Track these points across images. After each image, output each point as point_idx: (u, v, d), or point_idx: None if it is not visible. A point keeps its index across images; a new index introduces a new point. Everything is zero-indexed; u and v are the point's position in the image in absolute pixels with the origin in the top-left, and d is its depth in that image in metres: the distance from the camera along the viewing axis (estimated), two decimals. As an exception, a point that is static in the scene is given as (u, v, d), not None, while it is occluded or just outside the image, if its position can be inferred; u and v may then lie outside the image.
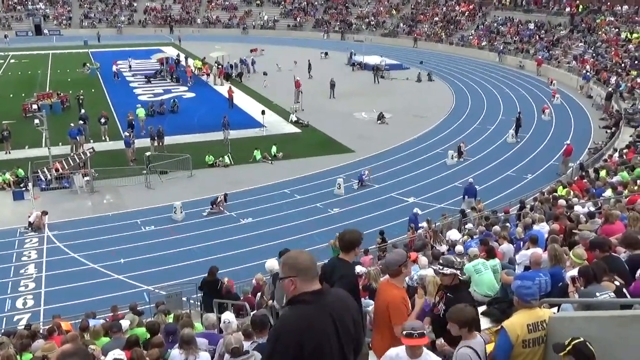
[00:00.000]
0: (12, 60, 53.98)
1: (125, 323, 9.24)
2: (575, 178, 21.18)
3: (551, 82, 42.79)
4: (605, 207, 12.83)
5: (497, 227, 13.62)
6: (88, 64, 49.59)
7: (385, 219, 20.59)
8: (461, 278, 5.56)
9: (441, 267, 5.69)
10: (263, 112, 33.25)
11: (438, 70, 50.02)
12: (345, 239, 5.42)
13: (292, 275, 3.33)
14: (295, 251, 3.55)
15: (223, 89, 40.85)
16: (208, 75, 46.09)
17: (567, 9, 55.98)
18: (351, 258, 5.45)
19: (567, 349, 4.31)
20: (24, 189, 23.15)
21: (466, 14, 65.69)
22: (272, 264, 10.98)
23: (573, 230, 10.10)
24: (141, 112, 32.14)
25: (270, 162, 27.12)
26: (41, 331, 11.44)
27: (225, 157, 26.85)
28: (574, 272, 6.53)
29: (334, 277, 5.28)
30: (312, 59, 47.63)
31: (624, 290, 5.94)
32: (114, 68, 46.70)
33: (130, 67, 49.02)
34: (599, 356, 4.31)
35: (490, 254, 9.68)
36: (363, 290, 9.55)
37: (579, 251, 7.26)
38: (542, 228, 11.47)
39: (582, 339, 4.31)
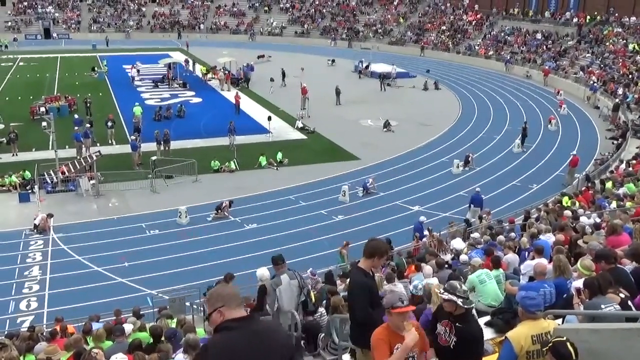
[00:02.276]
0: (21, 63, 54.39)
1: (128, 327, 9.25)
2: (582, 189, 21.10)
3: (558, 93, 42.74)
4: (606, 217, 12.77)
5: (501, 237, 13.59)
6: (97, 68, 49.90)
7: (390, 227, 20.55)
8: (465, 307, 5.14)
9: (441, 292, 5.36)
10: (269, 118, 33.32)
11: (445, 79, 50.04)
12: (369, 245, 5.58)
13: (219, 305, 3.30)
14: (217, 286, 3.56)
15: (230, 94, 40.98)
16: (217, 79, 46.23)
17: (575, 20, 55.98)
18: (368, 265, 5.57)
19: (549, 345, 4.32)
20: (29, 191, 23.28)
21: (473, 23, 65.75)
22: (263, 272, 10.88)
23: (578, 242, 10.05)
24: (138, 110, 32.55)
25: (275, 168, 27.15)
26: (44, 333, 11.46)
27: (231, 162, 26.90)
28: (580, 283, 6.50)
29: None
30: (286, 68, 47.56)
31: (629, 302, 5.91)
32: (133, 72, 47.29)
33: (138, 71, 49.17)
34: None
35: (496, 264, 9.65)
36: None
37: (587, 262, 7.21)
38: (548, 239, 11.43)
39: (563, 339, 4.29)
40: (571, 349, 4.21)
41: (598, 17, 54.09)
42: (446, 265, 11.59)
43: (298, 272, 8.45)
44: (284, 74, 46.35)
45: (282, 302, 7.97)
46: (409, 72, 52.18)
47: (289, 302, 8.06)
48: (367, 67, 51.72)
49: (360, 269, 5.58)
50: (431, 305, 7.06)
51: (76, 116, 31.89)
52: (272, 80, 45.23)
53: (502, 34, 60.93)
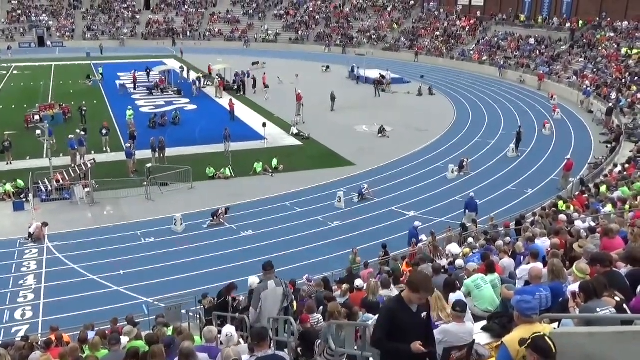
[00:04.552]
0: (15, 72, 54.27)
1: (124, 339, 9.18)
2: (576, 193, 21.18)
3: (552, 97, 42.92)
4: (602, 222, 12.81)
5: (499, 242, 13.61)
6: (91, 76, 49.86)
7: (386, 232, 20.55)
8: None
9: None
10: (264, 125, 33.31)
11: (439, 85, 50.20)
12: (410, 278, 5.35)
13: None
14: None
15: (224, 101, 41.02)
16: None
17: (568, 25, 56.31)
18: (408, 297, 5.16)
19: (528, 342, 4.35)
20: (24, 199, 23.17)
21: (467, 29, 66.07)
22: (253, 280, 11.12)
23: (573, 245, 10.07)
24: (128, 112, 33.31)
25: (270, 174, 27.14)
26: (39, 343, 11.40)
27: (226, 169, 26.87)
28: (575, 287, 6.51)
29: None
30: (281, 75, 48.14)
31: (625, 306, 5.92)
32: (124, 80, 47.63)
33: (135, 79, 49.04)
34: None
35: (489, 269, 9.65)
36: (361, 305, 9.52)
37: (583, 266, 7.23)
38: (543, 243, 11.45)
39: (541, 334, 4.33)
40: (550, 343, 4.24)
41: (591, 22, 54.39)
42: (442, 271, 11.59)
43: (284, 280, 8.96)
44: (254, 81, 46.69)
45: (265, 306, 8.49)
46: (403, 78, 52.33)
47: (272, 306, 8.59)
48: (382, 76, 48.63)
49: (398, 296, 5.32)
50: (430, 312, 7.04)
51: (47, 123, 31.67)
52: (267, 86, 45.31)
53: (496, 39, 61.23)
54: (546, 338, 4.26)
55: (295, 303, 9.61)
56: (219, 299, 12.73)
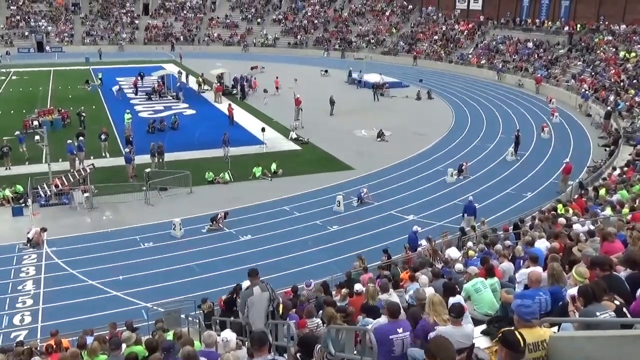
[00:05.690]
0: (13, 77, 54.29)
1: (124, 344, 9.16)
2: (575, 196, 21.18)
3: (550, 101, 42.99)
4: (601, 225, 12.80)
5: (498, 246, 13.59)
6: (90, 81, 49.88)
7: (385, 236, 20.54)
8: None
9: None
10: (263, 129, 33.35)
11: (437, 88, 50.25)
12: (427, 347, 4.73)
13: None
14: None
15: (223, 106, 41.03)
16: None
17: (566, 28, 56.45)
18: None
19: (498, 337, 4.36)
20: (23, 205, 23.15)
21: (465, 33, 66.21)
22: (247, 283, 11.13)
23: (572, 249, 10.06)
24: (126, 116, 33.65)
25: (270, 179, 27.13)
26: (38, 348, 11.38)
27: (225, 174, 26.87)
28: (574, 290, 6.50)
29: None
30: (280, 79, 48.48)
31: (624, 309, 5.91)
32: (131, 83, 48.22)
33: (136, 84, 48.99)
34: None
35: (489, 272, 9.64)
36: (361, 310, 9.50)
37: (582, 269, 7.23)
38: (541, 245, 11.44)
39: (511, 329, 4.35)
40: (519, 337, 4.25)
41: (589, 25, 54.50)
42: (442, 275, 11.57)
43: (270, 284, 9.37)
44: (243, 87, 46.82)
45: (251, 311, 8.92)
46: (402, 82, 52.37)
47: (259, 311, 8.97)
48: (383, 83, 48.94)
49: None
50: (425, 316, 7.04)
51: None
52: (265, 91, 45.37)
53: (494, 43, 61.36)
54: (515, 332, 4.28)
55: (281, 306, 9.81)
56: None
